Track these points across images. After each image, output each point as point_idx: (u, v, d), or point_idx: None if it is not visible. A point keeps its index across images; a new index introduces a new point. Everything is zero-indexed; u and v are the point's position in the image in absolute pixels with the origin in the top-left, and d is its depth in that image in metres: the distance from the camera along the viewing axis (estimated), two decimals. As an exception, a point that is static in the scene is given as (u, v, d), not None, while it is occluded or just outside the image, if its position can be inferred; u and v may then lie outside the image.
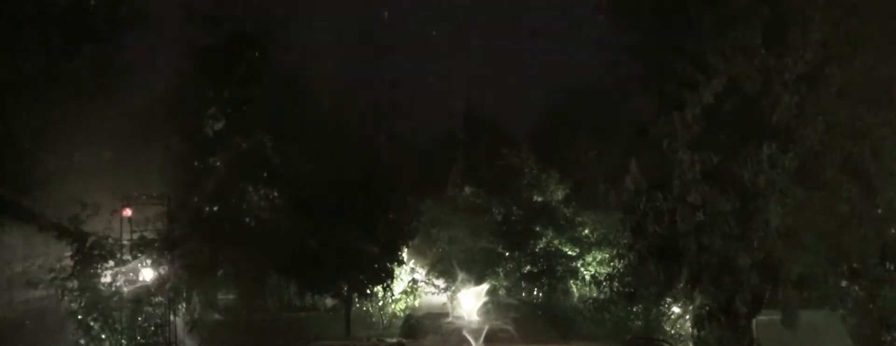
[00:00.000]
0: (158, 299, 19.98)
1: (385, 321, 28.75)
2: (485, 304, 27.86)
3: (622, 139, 26.26)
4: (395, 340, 23.08)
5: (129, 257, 19.81)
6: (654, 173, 19.59)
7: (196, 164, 23.80)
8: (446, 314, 27.76)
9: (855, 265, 17.98)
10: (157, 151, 22.47)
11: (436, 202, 29.22)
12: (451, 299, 29.11)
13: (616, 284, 26.19)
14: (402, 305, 29.17)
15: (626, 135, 24.82)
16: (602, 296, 26.97)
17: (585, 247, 28.31)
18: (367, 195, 25.79)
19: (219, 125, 23.81)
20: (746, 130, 18.02)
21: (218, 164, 24.13)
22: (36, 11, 16.76)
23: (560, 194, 28.95)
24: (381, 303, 28.53)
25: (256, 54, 24.43)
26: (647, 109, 19.95)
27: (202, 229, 22.45)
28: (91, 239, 19.05)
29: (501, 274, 28.94)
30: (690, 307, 21.52)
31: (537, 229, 28.47)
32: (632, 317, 25.93)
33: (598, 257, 27.95)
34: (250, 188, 24.51)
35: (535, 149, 29.54)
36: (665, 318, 25.06)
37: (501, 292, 29.13)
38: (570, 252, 28.41)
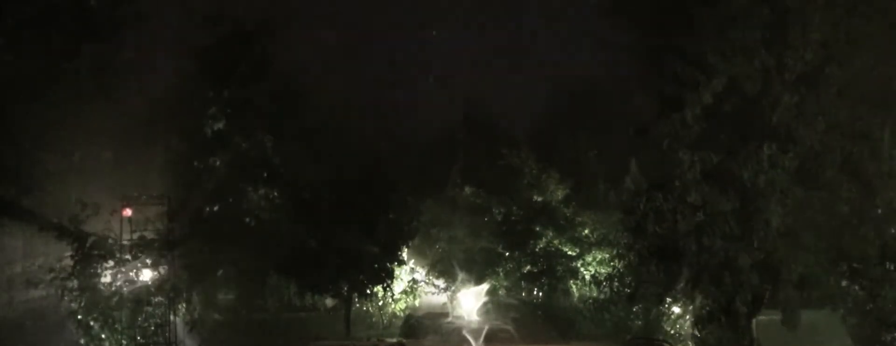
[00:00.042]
0: (158, 299, 19.96)
1: (385, 321, 28.75)
2: (485, 304, 27.86)
3: (622, 139, 26.27)
4: (395, 340, 23.07)
5: (129, 257, 19.80)
6: (654, 173, 19.59)
7: (196, 164, 23.79)
8: (446, 314, 27.76)
9: (855, 265, 17.98)
10: (157, 151, 22.46)
11: (436, 202, 29.24)
12: (451, 299, 29.12)
13: (616, 284, 26.22)
14: (402, 305, 29.17)
15: (626, 135, 24.82)
16: (602, 296, 26.99)
17: (585, 247, 28.32)
18: (367, 195, 25.80)
19: (219, 125, 23.80)
20: (746, 130, 18.01)
21: (218, 164, 24.11)
22: (36, 11, 16.76)
23: (560, 194, 28.96)
24: (381, 303, 28.53)
25: (257, 54, 24.43)
26: (647, 109, 19.93)
27: (202, 229, 22.44)
28: (91, 239, 19.05)
29: (501, 274, 28.95)
30: (690, 308, 21.53)
31: (537, 229, 28.48)
32: (632, 317, 25.94)
33: (598, 257, 27.96)
34: (250, 188, 24.51)
35: (535, 149, 29.56)
36: (665, 318, 25.07)
37: (501, 292, 29.14)
38: (570, 252, 28.42)
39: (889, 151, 17.70)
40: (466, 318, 27.15)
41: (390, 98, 32.25)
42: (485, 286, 28.39)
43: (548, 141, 30.27)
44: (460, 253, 28.63)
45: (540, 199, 29.09)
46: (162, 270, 20.23)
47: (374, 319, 28.70)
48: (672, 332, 24.74)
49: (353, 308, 26.89)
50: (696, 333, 19.56)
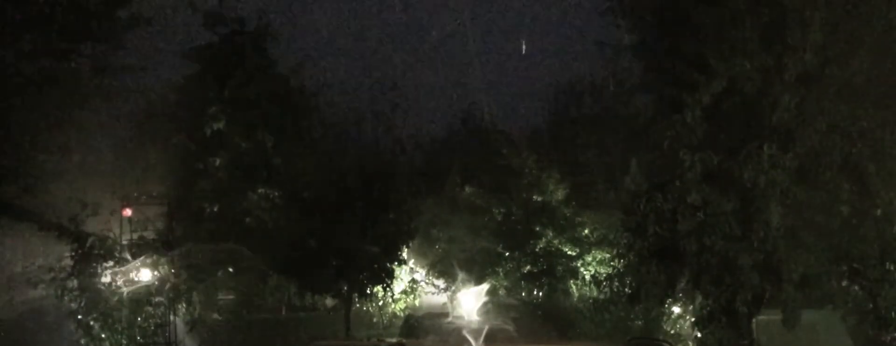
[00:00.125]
0: (158, 299, 19.97)
1: (385, 321, 28.75)
2: (485, 304, 27.85)
3: (622, 139, 26.31)
4: (395, 340, 23.04)
5: (129, 257, 19.81)
6: (654, 173, 19.58)
7: (196, 164, 23.80)
8: (446, 314, 27.74)
9: (855, 265, 17.99)
10: (157, 151, 22.49)
11: (436, 202, 29.22)
12: (451, 299, 29.11)
13: (616, 284, 26.20)
14: (402, 305, 29.17)
15: (626, 135, 24.85)
16: (602, 296, 26.98)
17: (585, 247, 28.32)
18: (367, 195, 25.79)
19: (219, 125, 23.83)
20: (746, 130, 18.01)
21: (218, 164, 24.13)
22: (36, 12, 16.76)
23: (560, 194, 28.96)
24: (381, 303, 28.52)
25: (257, 54, 24.45)
26: (647, 109, 19.94)
27: (202, 229, 22.45)
28: (91, 239, 19.06)
29: (501, 274, 28.95)
30: (691, 307, 21.53)
31: (537, 229, 28.48)
32: (632, 317, 25.93)
33: (598, 257, 27.96)
34: (250, 188, 24.52)
35: (534, 149, 29.55)
36: (665, 318, 25.08)
37: (501, 292, 29.13)
38: (570, 252, 28.42)
39: (889, 151, 17.70)
40: (466, 318, 27.14)
41: (390, 98, 32.16)
42: (485, 286, 28.38)
43: (548, 141, 30.25)
44: (460, 253, 28.63)
45: (540, 199, 29.09)
46: (162, 270, 20.24)
47: (374, 319, 28.70)
48: (672, 332, 24.74)
49: (353, 308, 26.89)
50: (697, 333, 19.56)
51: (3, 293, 18.41)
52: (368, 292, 26.72)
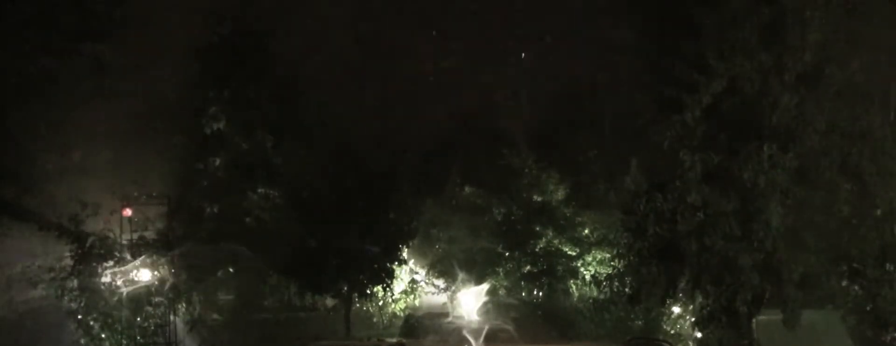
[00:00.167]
0: (158, 299, 19.97)
1: (385, 321, 28.73)
2: (485, 304, 27.83)
3: (622, 139, 26.29)
4: (395, 340, 23.04)
5: (129, 257, 19.82)
6: (654, 173, 19.59)
7: (196, 164, 23.79)
8: (446, 314, 27.72)
9: (855, 265, 18.00)
10: (157, 151, 22.47)
11: (436, 202, 29.21)
12: (451, 299, 29.09)
13: (616, 284, 26.19)
14: (402, 305, 29.16)
15: (626, 135, 24.84)
16: (602, 296, 26.97)
17: (585, 247, 28.29)
18: (367, 195, 25.78)
19: (219, 125, 23.83)
20: (746, 130, 18.02)
21: (218, 164, 24.13)
22: (35, 11, 16.77)
23: (560, 194, 28.95)
24: (381, 303, 28.51)
25: (257, 54, 24.44)
26: (647, 110, 19.95)
27: (202, 229, 22.45)
28: (91, 239, 19.08)
29: (501, 274, 28.92)
30: (691, 307, 21.53)
31: (537, 229, 28.46)
32: (632, 317, 25.92)
33: (599, 257, 27.94)
34: (250, 188, 24.52)
35: (534, 149, 29.53)
36: (665, 318, 25.07)
37: (501, 292, 29.10)
38: (570, 252, 28.39)
39: (889, 151, 17.71)
40: (466, 318, 27.12)
41: (390, 98, 32.14)
42: (485, 286, 28.36)
43: (548, 141, 30.21)
44: (460, 253, 28.61)
45: (540, 199, 29.07)
46: (162, 270, 20.25)
47: (374, 319, 28.67)
48: (672, 332, 24.74)
49: (353, 308, 26.88)
50: (697, 333, 19.57)
51: (3, 293, 18.40)
52: (368, 292, 26.71)
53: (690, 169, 18.02)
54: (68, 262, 18.90)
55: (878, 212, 17.78)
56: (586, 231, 28.57)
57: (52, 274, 18.60)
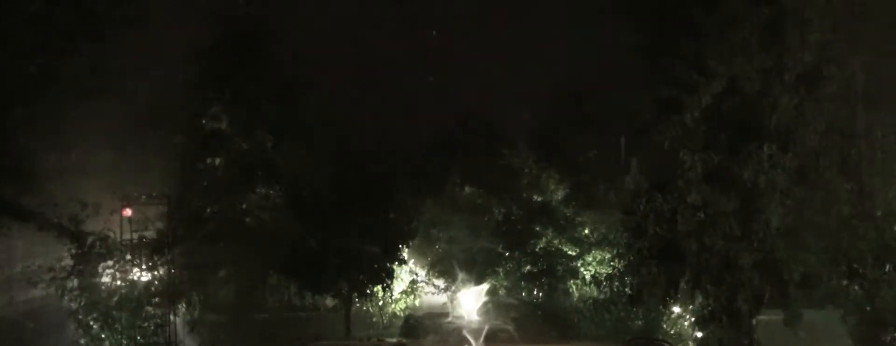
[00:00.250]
0: (158, 299, 19.97)
1: (385, 321, 28.74)
2: (485, 304, 27.86)
3: (622, 139, 26.28)
4: (395, 340, 23.06)
5: (129, 257, 19.81)
6: (654, 173, 19.59)
7: (196, 164, 23.79)
8: (446, 314, 27.74)
9: (854, 266, 18.01)
10: (157, 151, 22.46)
11: (436, 202, 29.21)
12: (451, 299, 29.10)
13: (616, 284, 26.18)
14: (402, 305, 29.16)
15: (626, 135, 24.84)
16: (602, 296, 26.96)
17: (585, 247, 28.30)
18: (367, 195, 25.78)
19: (219, 125, 23.83)
20: (746, 130, 18.03)
21: (218, 164, 24.13)
22: (35, 11, 16.76)
23: (560, 194, 28.96)
24: (381, 303, 28.52)
25: (257, 54, 24.43)
26: (647, 110, 19.95)
27: (202, 229, 22.45)
28: (91, 239, 19.07)
29: (501, 274, 28.94)
30: (691, 307, 21.53)
31: (537, 229, 28.47)
32: (632, 317, 25.92)
33: (599, 257, 27.95)
34: (250, 188, 24.51)
35: (535, 149, 29.53)
36: (665, 318, 25.07)
37: (501, 292, 29.11)
38: (570, 252, 28.40)
39: (889, 151, 17.73)
40: (466, 318, 27.14)
41: (390, 97, 32.11)
42: (485, 286, 28.38)
43: (548, 141, 30.21)
44: (460, 253, 28.62)
45: (540, 199, 29.09)
46: (162, 270, 20.25)
47: (374, 319, 28.68)
48: (672, 332, 24.73)
49: (353, 308, 26.89)
50: (697, 333, 19.57)
51: (3, 293, 18.41)
52: (368, 292, 26.72)
53: (690, 169, 18.04)
54: (68, 262, 18.89)
55: (879, 212, 17.79)
56: (586, 231, 28.58)
57: (52, 274, 18.60)
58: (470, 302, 28.05)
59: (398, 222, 27.01)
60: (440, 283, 29.47)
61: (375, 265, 26.19)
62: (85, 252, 18.98)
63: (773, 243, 17.59)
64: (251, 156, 24.56)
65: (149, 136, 22.26)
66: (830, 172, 17.64)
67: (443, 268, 28.99)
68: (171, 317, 20.40)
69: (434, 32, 35.52)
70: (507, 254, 28.94)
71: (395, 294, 28.70)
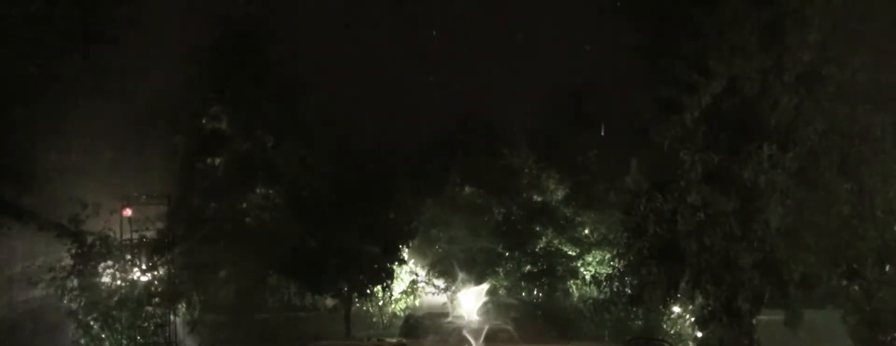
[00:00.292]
0: (158, 299, 19.96)
1: (385, 321, 28.76)
2: (485, 304, 27.86)
3: (622, 139, 26.26)
4: (395, 340, 23.08)
5: (130, 257, 19.80)
6: (654, 173, 19.60)
7: (196, 164, 23.79)
8: (446, 314, 27.75)
9: (854, 266, 18.02)
10: (156, 151, 22.45)
11: (436, 202, 29.22)
12: (451, 299, 29.12)
13: (616, 284, 26.19)
14: (402, 305, 29.18)
15: (626, 135, 24.82)
16: (602, 296, 26.97)
17: (585, 247, 28.32)
18: (367, 195, 25.79)
19: (219, 125, 23.83)
20: (746, 130, 18.04)
21: (218, 163, 24.14)
22: (34, 11, 16.74)
23: (560, 194, 28.97)
24: (381, 303, 28.53)
25: (258, 54, 24.45)
26: (647, 110, 19.95)
27: (202, 229, 22.44)
28: (91, 239, 19.06)
29: (501, 274, 28.95)
30: (691, 307, 21.54)
31: (537, 229, 28.48)
32: (632, 317, 25.93)
33: (599, 257, 27.96)
34: (250, 188, 24.51)
35: (535, 149, 29.54)
36: (665, 318, 25.07)
37: (501, 292, 29.13)
38: (570, 252, 28.42)
39: (889, 151, 17.72)
40: (466, 318, 27.15)
41: (390, 98, 32.16)
42: (485, 286, 28.39)
43: (548, 141, 30.22)
44: (460, 253, 28.63)
45: (540, 199, 29.10)
46: (162, 270, 20.24)
47: (374, 319, 28.70)
48: (672, 332, 24.73)
49: (353, 308, 26.89)
50: (697, 333, 19.56)
51: (3, 293, 18.40)
52: (368, 292, 26.72)
53: (690, 169, 18.04)
54: (68, 262, 18.87)
55: (878, 212, 17.79)
56: (586, 231, 28.59)
57: (52, 274, 18.57)
58: (470, 302, 28.06)
59: (398, 222, 27.02)
60: (440, 283, 29.49)
61: (375, 265, 26.20)
62: (85, 252, 18.95)
63: (773, 243, 17.59)
64: (251, 156, 24.57)
65: (149, 136, 22.25)
66: (830, 172, 17.64)
67: (443, 268, 29.00)
68: (171, 317, 20.38)
69: (434, 32, 35.58)
70: (507, 254, 28.96)
71: (395, 294, 28.72)
